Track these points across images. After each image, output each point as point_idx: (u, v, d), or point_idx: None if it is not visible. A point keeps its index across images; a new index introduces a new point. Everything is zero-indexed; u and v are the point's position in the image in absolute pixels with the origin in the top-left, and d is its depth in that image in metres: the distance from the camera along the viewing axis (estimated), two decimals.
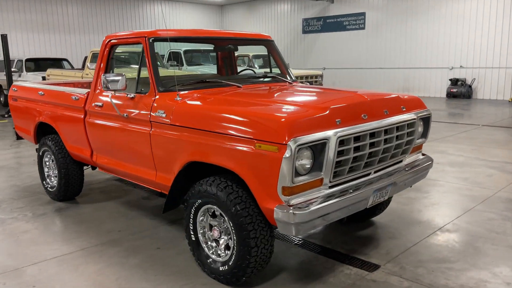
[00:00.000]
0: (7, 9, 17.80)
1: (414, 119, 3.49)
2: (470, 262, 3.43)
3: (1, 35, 10.31)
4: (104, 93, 4.00)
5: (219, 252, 3.15)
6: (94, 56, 11.10)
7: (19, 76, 14.60)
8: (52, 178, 5.11)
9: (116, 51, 4.20)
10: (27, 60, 15.10)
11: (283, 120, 2.64)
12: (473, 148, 7.61)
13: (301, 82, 14.08)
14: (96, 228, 4.24)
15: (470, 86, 16.43)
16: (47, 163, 5.15)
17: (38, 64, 15.54)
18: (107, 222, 4.39)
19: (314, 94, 3.73)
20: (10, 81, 12.51)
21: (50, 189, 5.10)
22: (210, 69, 12.23)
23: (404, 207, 4.69)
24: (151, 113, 3.46)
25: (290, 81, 4.31)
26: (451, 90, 16.66)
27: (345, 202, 2.89)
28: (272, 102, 3.21)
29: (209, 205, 3.08)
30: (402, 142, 3.42)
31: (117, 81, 3.55)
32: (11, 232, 4.20)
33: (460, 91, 16.43)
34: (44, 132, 5.20)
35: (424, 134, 3.80)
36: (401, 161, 3.60)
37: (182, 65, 12.44)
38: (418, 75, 17.91)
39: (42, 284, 3.19)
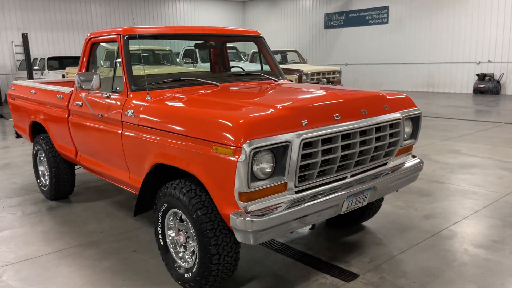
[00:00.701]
0: (32, 9, 18.21)
1: (399, 119, 3.26)
2: (458, 273, 3.18)
3: (22, 34, 10.48)
4: (83, 92, 3.94)
5: (186, 257, 3.03)
6: (108, 54, 11.22)
7: (42, 74, 14.92)
8: (46, 177, 5.12)
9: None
10: (49, 58, 15.41)
11: (240, 121, 2.49)
12: (489, 147, 7.20)
13: (318, 80, 13.67)
14: (79, 229, 4.20)
15: (498, 82, 15.71)
16: (42, 162, 5.16)
17: (62, 63, 15.84)
18: (91, 223, 4.35)
19: (289, 93, 3.54)
20: (31, 79, 12.77)
21: (43, 188, 5.11)
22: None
23: (400, 211, 4.44)
24: (122, 113, 3.37)
25: (276, 79, 4.13)
26: (478, 85, 15.97)
27: (312, 208, 2.71)
28: (239, 102, 3.04)
29: (176, 209, 2.96)
30: (383, 144, 3.20)
31: (91, 80, 3.48)
32: None
33: (488, 87, 15.73)
34: (38, 131, 5.21)
35: (414, 135, 3.56)
36: (385, 164, 3.37)
37: (197, 62, 12.42)
38: (444, 70, 17.27)
39: None
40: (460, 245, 3.63)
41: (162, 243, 3.15)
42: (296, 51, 15.22)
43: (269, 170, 2.55)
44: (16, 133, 5.81)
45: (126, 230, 4.13)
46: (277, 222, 2.54)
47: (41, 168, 5.19)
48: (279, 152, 2.57)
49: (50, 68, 15.15)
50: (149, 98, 3.28)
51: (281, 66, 13.65)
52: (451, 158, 6.53)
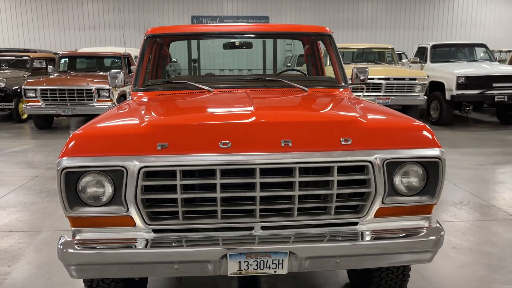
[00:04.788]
0: None
1: (367, 162, 2.09)
2: None
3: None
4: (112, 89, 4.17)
5: None
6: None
7: None
8: None
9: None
10: None
11: (75, 133, 2.18)
12: None
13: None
14: (38, 220, 4.30)
15: None
16: None
17: None
18: (53, 218, 4.38)
19: (217, 105, 2.78)
20: None
21: None
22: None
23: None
24: None
25: (305, 88, 3.21)
26: None
27: (156, 256, 2.10)
28: (148, 114, 2.47)
29: None
30: (329, 193, 2.13)
31: (116, 77, 3.66)
32: None
33: None
34: None
35: (430, 191, 2.19)
36: (355, 224, 2.23)
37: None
38: None
39: None
40: None
41: None
42: None
43: (102, 197, 2.12)
44: None
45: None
46: (99, 260, 2.10)
47: None
48: (118, 178, 2.10)
49: None
50: (129, 99, 3.21)
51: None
52: None
